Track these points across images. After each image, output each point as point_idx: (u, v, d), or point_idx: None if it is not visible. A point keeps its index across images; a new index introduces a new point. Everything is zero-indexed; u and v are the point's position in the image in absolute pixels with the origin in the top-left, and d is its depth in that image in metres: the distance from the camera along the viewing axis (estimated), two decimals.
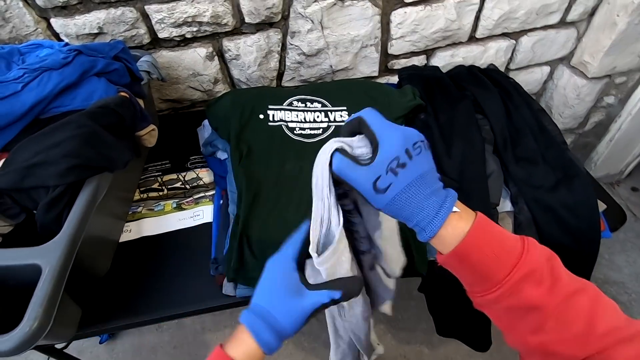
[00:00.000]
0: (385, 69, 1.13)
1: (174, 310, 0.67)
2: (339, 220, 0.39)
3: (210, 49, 0.95)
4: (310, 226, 0.41)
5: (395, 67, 1.12)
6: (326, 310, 0.51)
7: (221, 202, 0.80)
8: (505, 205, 0.78)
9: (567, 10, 1.09)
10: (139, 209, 0.80)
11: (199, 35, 0.91)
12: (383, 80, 1.15)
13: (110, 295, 0.68)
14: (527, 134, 0.83)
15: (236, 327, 0.42)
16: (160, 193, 0.84)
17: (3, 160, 0.58)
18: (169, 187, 0.85)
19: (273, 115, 0.83)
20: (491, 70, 1.04)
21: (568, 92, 1.28)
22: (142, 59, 0.82)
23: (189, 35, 0.91)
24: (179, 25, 0.88)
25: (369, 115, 0.37)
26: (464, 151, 0.79)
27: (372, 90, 0.91)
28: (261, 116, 0.83)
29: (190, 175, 0.87)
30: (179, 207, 0.80)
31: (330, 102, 0.87)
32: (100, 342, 1.26)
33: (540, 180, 0.77)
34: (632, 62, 1.19)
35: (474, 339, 0.88)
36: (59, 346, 0.68)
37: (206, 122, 0.90)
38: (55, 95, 0.62)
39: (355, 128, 0.38)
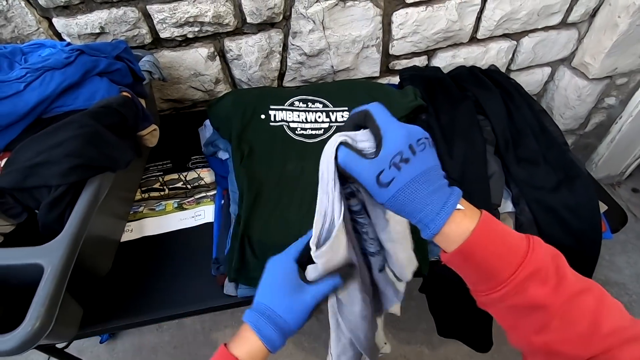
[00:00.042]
0: (386, 70, 1.13)
1: (175, 310, 0.67)
2: (340, 213, 0.40)
3: (212, 49, 0.95)
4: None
5: (396, 68, 1.12)
6: (329, 304, 0.51)
7: (222, 202, 0.80)
8: (507, 206, 0.77)
9: (569, 11, 1.09)
10: (141, 209, 0.80)
11: (201, 35, 0.91)
12: (384, 80, 1.15)
13: (112, 294, 0.68)
14: (528, 135, 0.83)
15: (239, 327, 0.42)
16: (162, 193, 0.84)
17: (5, 160, 0.58)
18: (170, 187, 0.85)
19: (275, 116, 0.83)
20: (492, 71, 1.04)
21: (569, 93, 1.28)
22: (143, 59, 0.82)
23: (190, 35, 0.91)
24: (181, 25, 0.88)
25: (376, 109, 0.37)
26: (465, 152, 0.79)
27: (374, 90, 0.91)
28: (263, 116, 0.83)
29: (191, 175, 0.87)
30: (180, 207, 0.80)
31: (332, 102, 0.87)
32: (101, 342, 1.26)
33: (541, 181, 0.76)
34: (633, 63, 1.19)
35: (475, 340, 0.88)
36: (59, 346, 0.68)
37: (207, 122, 0.90)
38: (57, 95, 0.63)
39: (360, 121, 0.38)
